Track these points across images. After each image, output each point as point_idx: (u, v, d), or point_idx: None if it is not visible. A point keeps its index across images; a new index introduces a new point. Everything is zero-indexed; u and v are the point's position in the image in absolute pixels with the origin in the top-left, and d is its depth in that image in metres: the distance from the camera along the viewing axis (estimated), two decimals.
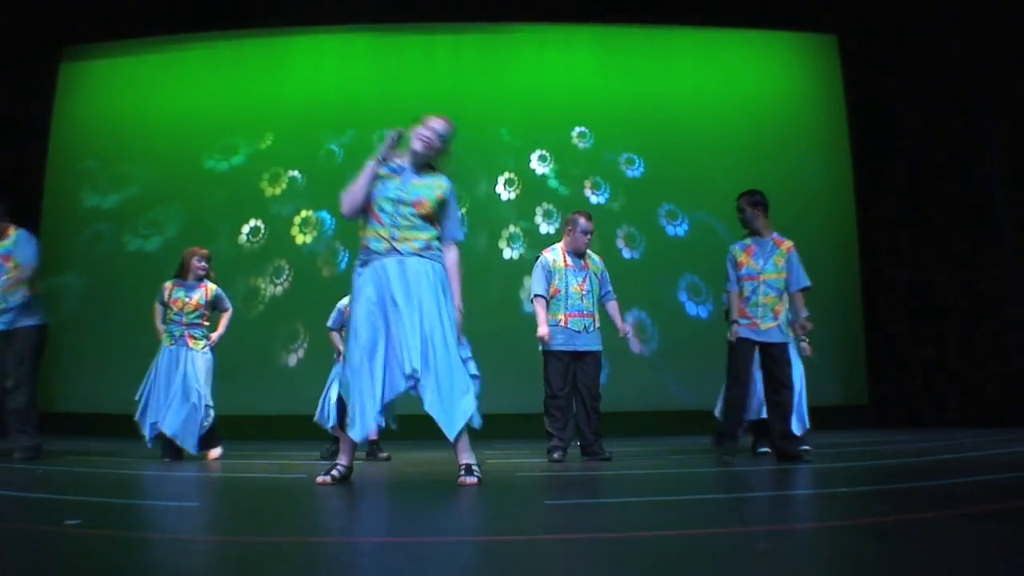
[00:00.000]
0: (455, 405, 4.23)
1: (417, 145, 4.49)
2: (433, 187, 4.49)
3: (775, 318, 5.96)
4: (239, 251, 11.52)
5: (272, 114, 11.95)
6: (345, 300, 6.52)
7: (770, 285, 5.99)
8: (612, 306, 6.75)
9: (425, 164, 4.55)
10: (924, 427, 10.30)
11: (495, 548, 2.50)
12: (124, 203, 11.93)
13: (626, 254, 11.39)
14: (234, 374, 8.93)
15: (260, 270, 11.46)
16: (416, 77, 11.99)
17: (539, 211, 11.55)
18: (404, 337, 4.20)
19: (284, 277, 11.42)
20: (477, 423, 4.34)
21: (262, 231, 11.62)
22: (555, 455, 6.27)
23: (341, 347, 6.24)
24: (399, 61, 12.16)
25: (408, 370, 4.17)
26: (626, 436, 9.10)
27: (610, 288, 6.76)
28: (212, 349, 6.91)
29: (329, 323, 7.08)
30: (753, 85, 11.96)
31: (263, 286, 11.40)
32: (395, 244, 4.34)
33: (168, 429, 6.52)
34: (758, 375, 6.29)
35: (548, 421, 6.46)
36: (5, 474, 5.11)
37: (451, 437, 4.24)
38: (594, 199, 11.63)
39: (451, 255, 4.55)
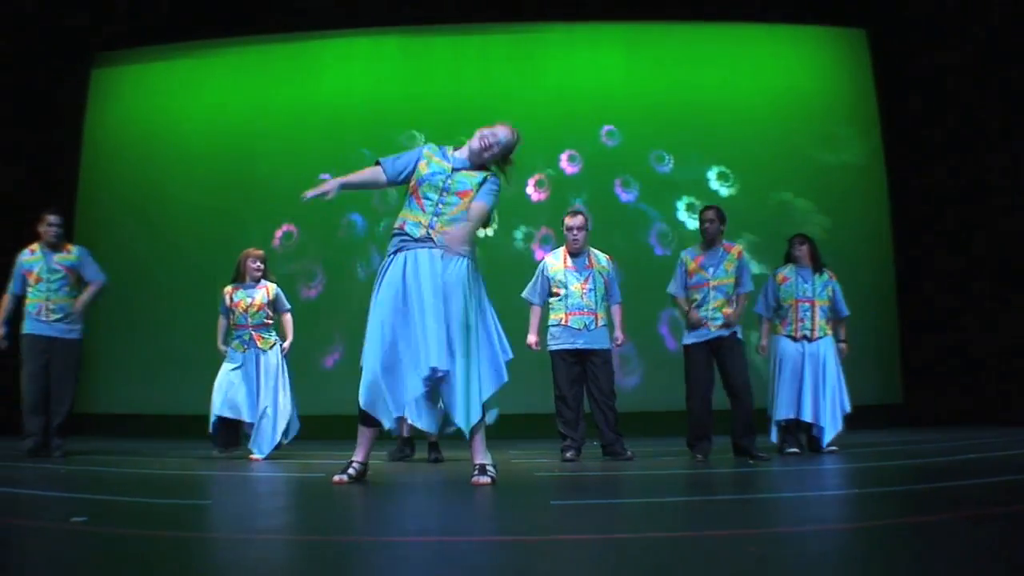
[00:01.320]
0: (471, 404, 4.24)
1: (475, 142, 4.51)
2: (476, 177, 4.50)
3: (724, 317, 6.33)
4: (272, 254, 11.61)
5: (303, 117, 12.02)
6: None
7: (719, 290, 6.37)
8: (615, 310, 6.68)
9: (480, 164, 4.55)
10: (959, 426, 10.12)
11: (488, 548, 2.51)
12: (157, 207, 12.07)
13: (658, 251, 11.32)
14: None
15: (294, 273, 11.57)
16: (445, 79, 12.01)
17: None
18: (425, 333, 4.20)
19: (317, 280, 11.50)
20: (490, 419, 4.36)
21: (295, 235, 11.72)
22: (567, 455, 6.29)
23: None
24: (428, 63, 12.19)
25: (426, 371, 4.18)
26: (665, 435, 9.01)
27: (617, 291, 6.69)
28: (286, 357, 6.94)
29: None
30: (783, 80, 11.80)
31: (298, 289, 11.51)
32: (432, 233, 4.35)
33: (249, 420, 6.70)
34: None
35: (559, 421, 6.48)
36: (27, 473, 5.21)
37: (465, 429, 4.25)
38: (624, 196, 11.59)
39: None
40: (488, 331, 4.43)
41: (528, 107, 11.72)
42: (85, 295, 7.05)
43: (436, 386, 4.27)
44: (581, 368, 6.48)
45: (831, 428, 6.68)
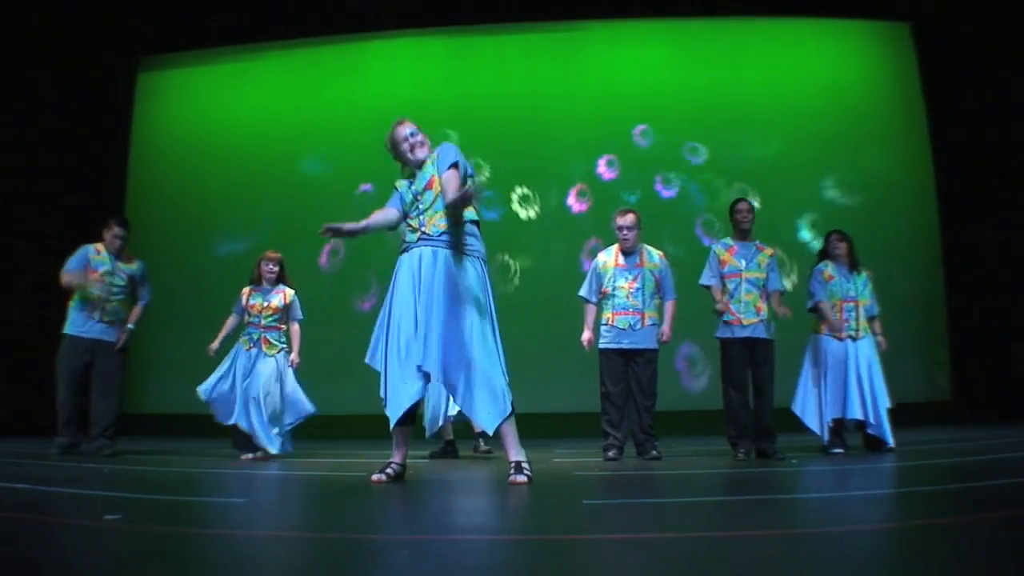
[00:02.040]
0: (488, 401, 4.26)
1: (408, 155, 4.69)
2: (431, 162, 4.62)
3: (757, 314, 6.30)
4: (319, 255, 11.74)
5: (348, 119, 12.11)
6: None
7: (751, 282, 6.36)
8: (667, 306, 6.64)
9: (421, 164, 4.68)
10: (1008, 423, 9.89)
11: (508, 546, 2.50)
12: (203, 210, 12.26)
13: (705, 241, 11.22)
14: (324, 375, 9.18)
15: (342, 275, 11.68)
16: (490, 78, 12.06)
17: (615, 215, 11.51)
18: (429, 331, 4.28)
19: (372, 292, 11.52)
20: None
21: (340, 250, 11.84)
22: (609, 453, 6.29)
23: None
24: (472, 63, 12.24)
25: (426, 367, 4.29)
26: (711, 435, 8.93)
27: (670, 287, 6.63)
28: (295, 369, 6.90)
29: None
30: (827, 75, 11.66)
31: (344, 292, 11.61)
32: (424, 229, 4.46)
33: (244, 425, 6.64)
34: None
35: (603, 420, 6.49)
36: (69, 472, 5.31)
37: (489, 431, 4.27)
38: (665, 193, 11.53)
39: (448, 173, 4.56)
40: (484, 330, 4.42)
41: (572, 104, 11.74)
42: (136, 313, 7.24)
43: (448, 385, 4.33)
44: (627, 367, 6.47)
45: (887, 423, 6.56)
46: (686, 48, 11.96)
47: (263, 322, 6.86)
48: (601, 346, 6.52)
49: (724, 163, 11.51)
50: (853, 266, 6.85)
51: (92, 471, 5.38)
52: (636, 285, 6.47)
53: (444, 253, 4.42)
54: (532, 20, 12.12)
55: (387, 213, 4.66)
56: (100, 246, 7.11)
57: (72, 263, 6.99)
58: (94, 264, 7.02)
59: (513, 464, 4.30)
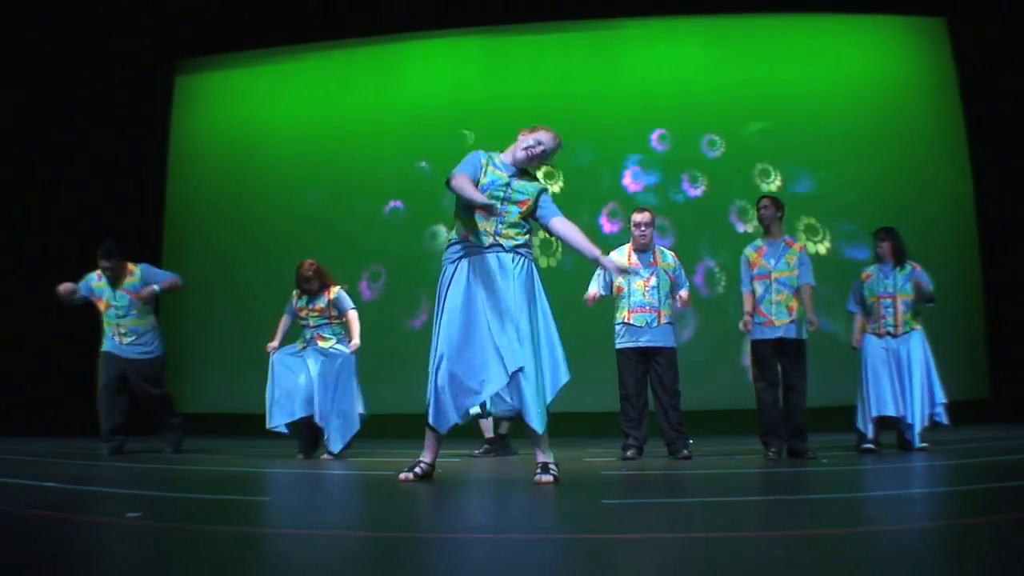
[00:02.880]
0: (542, 403, 4.28)
1: (521, 153, 4.57)
2: (533, 188, 4.58)
3: (789, 314, 6.24)
4: (360, 255, 11.83)
5: (385, 120, 12.19)
6: None
7: (781, 283, 6.30)
8: (683, 292, 6.64)
9: (524, 171, 4.63)
10: None
11: (514, 545, 2.51)
12: (242, 211, 12.40)
13: (740, 229, 11.14)
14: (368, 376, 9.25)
15: (378, 275, 11.76)
16: (526, 78, 12.05)
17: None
18: (493, 337, 4.28)
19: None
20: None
21: (381, 237, 11.91)
22: (628, 453, 6.29)
23: None
24: (509, 62, 12.24)
25: (501, 377, 4.27)
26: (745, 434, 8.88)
27: (683, 280, 6.66)
28: (354, 355, 6.91)
29: None
30: (863, 71, 11.51)
31: (383, 293, 11.70)
32: (499, 239, 4.42)
33: (316, 417, 6.69)
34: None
35: (622, 419, 6.49)
36: (104, 471, 5.42)
37: (539, 431, 4.28)
38: (693, 191, 11.49)
39: (561, 221, 4.58)
40: (550, 333, 4.45)
41: (607, 103, 11.73)
42: (167, 283, 7.19)
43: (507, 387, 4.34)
44: (646, 367, 6.46)
45: (918, 425, 6.49)
46: (722, 45, 11.88)
47: (312, 323, 6.93)
48: (618, 346, 6.53)
49: (759, 160, 11.43)
50: (898, 261, 6.77)
51: (124, 470, 5.48)
52: (652, 284, 6.47)
53: (511, 257, 4.42)
54: (568, 19, 12.11)
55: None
56: (100, 271, 7.13)
57: (81, 284, 7.11)
58: (97, 292, 7.09)
59: (540, 465, 4.33)
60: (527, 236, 4.55)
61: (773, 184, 11.24)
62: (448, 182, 4.43)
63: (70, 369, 10.24)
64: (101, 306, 7.09)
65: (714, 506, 3.55)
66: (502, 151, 4.67)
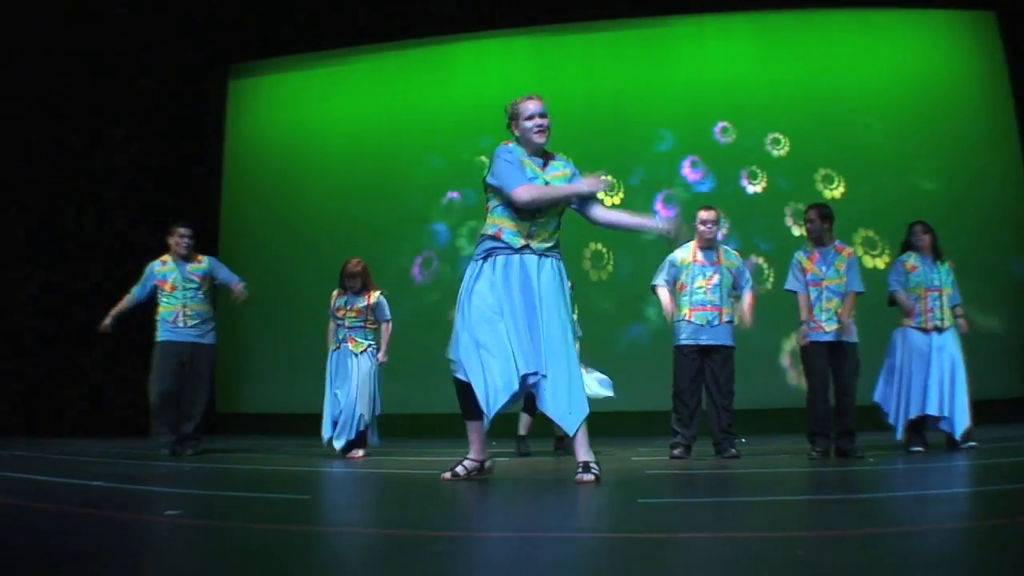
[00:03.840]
0: (572, 405, 4.24)
1: (538, 138, 4.46)
2: (566, 172, 4.53)
3: (839, 320, 6.20)
4: (412, 255, 11.94)
5: (436, 121, 12.29)
6: None
7: (832, 290, 6.28)
8: (746, 296, 6.62)
9: (546, 154, 4.56)
10: None
11: (545, 543, 2.50)
12: (294, 213, 12.58)
13: (795, 231, 11.02)
14: (409, 375, 9.43)
15: (432, 276, 11.86)
16: (576, 77, 12.10)
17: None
18: (523, 336, 4.24)
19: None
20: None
21: (435, 239, 12.00)
22: (675, 452, 6.26)
23: None
24: (559, 61, 12.29)
25: (523, 371, 4.21)
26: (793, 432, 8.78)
27: (746, 281, 6.62)
28: (381, 366, 7.09)
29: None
30: (914, 66, 11.38)
31: (433, 292, 11.79)
32: (531, 241, 4.37)
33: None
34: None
35: (673, 417, 6.45)
36: (155, 470, 5.53)
37: (570, 433, 4.26)
38: (750, 189, 11.40)
39: (601, 209, 4.55)
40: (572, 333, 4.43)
41: (659, 101, 11.70)
42: (238, 290, 7.35)
43: (531, 389, 4.29)
44: (702, 365, 6.43)
45: (961, 422, 6.38)
46: (773, 41, 11.80)
47: (347, 323, 7.04)
48: (677, 343, 6.50)
49: (811, 157, 11.31)
50: (936, 256, 6.72)
51: (173, 469, 5.59)
52: (714, 282, 6.42)
53: (541, 260, 4.38)
54: (619, 18, 12.11)
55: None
56: (166, 256, 7.28)
57: (137, 292, 7.24)
58: (161, 276, 7.21)
59: (581, 464, 4.30)
60: (558, 235, 4.49)
61: (837, 190, 11.13)
62: (515, 198, 4.28)
63: (128, 370, 10.41)
64: (167, 288, 7.17)
65: (748, 505, 3.51)
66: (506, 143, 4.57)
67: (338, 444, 6.86)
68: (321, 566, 2.16)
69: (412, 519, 3.19)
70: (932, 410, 6.40)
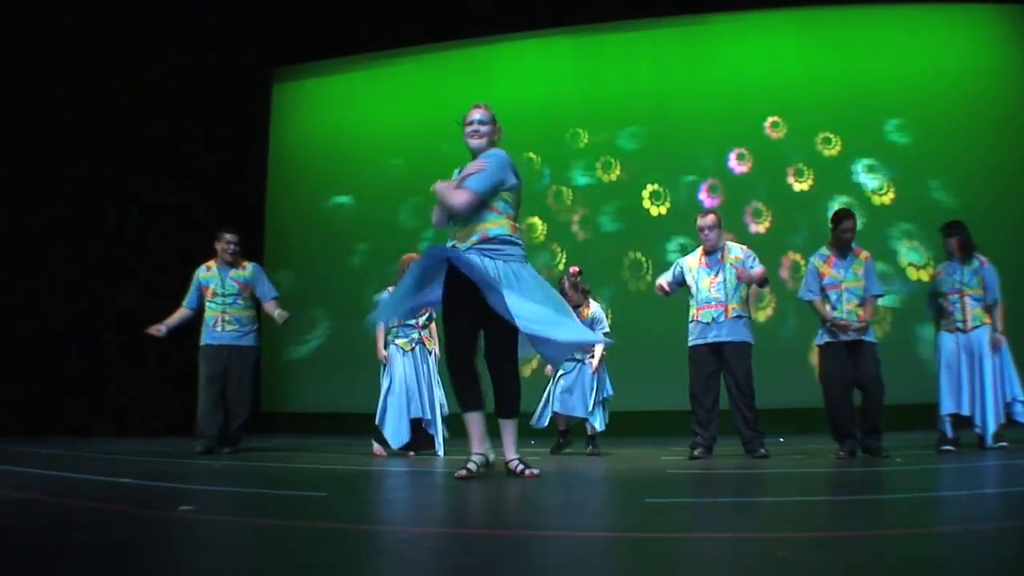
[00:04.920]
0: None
1: (471, 143, 4.82)
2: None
3: (860, 322, 6.21)
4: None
5: None
6: None
7: (851, 292, 6.31)
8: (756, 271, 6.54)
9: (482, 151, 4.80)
10: None
11: (557, 543, 2.53)
12: (338, 217, 12.74)
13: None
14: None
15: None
16: (617, 76, 12.11)
17: (747, 209, 11.41)
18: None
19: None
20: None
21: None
22: (695, 452, 6.26)
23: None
24: (599, 61, 12.30)
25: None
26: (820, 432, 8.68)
27: (753, 261, 6.53)
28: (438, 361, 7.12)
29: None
30: (956, 62, 11.19)
31: None
32: (455, 240, 4.83)
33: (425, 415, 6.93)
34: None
35: (693, 418, 6.44)
36: (186, 468, 5.64)
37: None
38: (797, 187, 11.32)
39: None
40: None
41: (701, 99, 11.65)
42: (272, 307, 7.44)
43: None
44: (717, 364, 6.40)
45: (992, 422, 6.30)
46: (814, 38, 11.70)
47: (420, 322, 7.07)
48: (689, 344, 6.53)
49: (856, 153, 11.19)
50: (966, 256, 6.62)
51: (202, 467, 5.70)
52: (718, 280, 6.44)
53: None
54: (658, 16, 12.07)
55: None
56: (211, 262, 7.43)
57: (187, 301, 7.40)
58: (205, 281, 7.36)
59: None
60: (483, 230, 4.81)
61: (886, 196, 11.00)
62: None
63: (176, 371, 10.62)
64: (208, 294, 7.33)
65: (756, 505, 3.51)
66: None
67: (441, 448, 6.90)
68: (321, 565, 2.20)
69: (422, 518, 3.23)
70: (964, 409, 6.37)
